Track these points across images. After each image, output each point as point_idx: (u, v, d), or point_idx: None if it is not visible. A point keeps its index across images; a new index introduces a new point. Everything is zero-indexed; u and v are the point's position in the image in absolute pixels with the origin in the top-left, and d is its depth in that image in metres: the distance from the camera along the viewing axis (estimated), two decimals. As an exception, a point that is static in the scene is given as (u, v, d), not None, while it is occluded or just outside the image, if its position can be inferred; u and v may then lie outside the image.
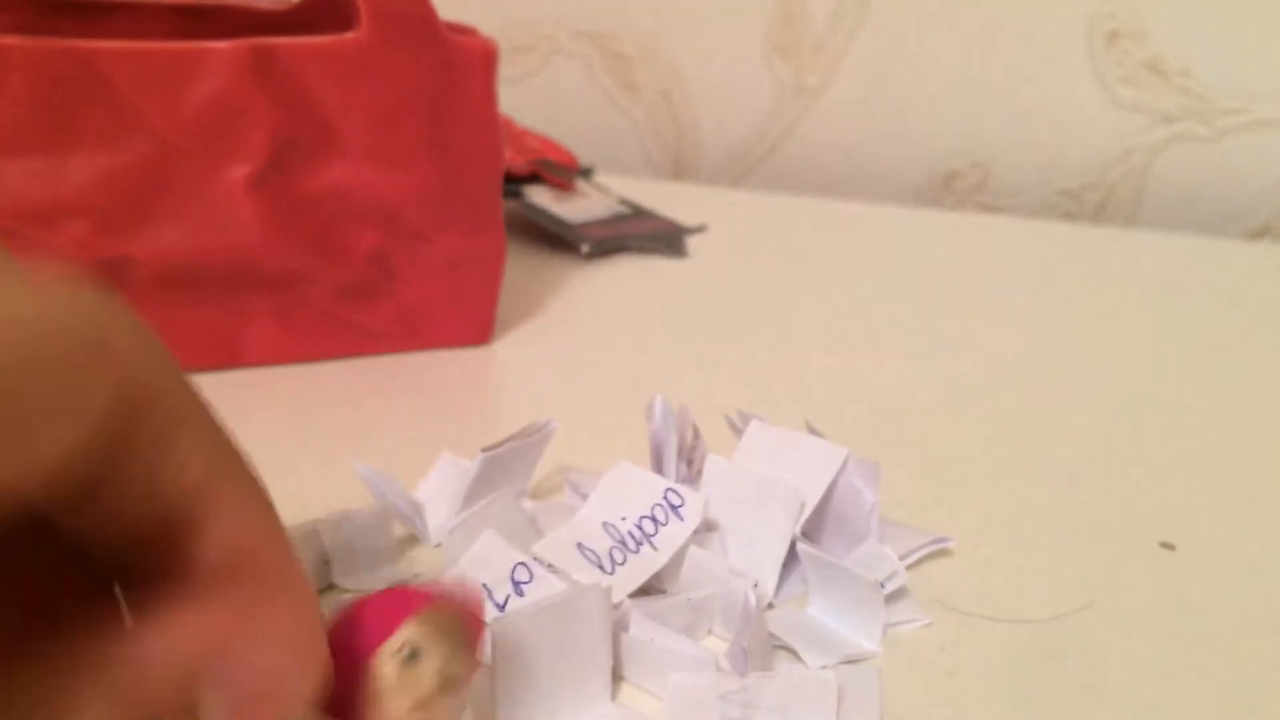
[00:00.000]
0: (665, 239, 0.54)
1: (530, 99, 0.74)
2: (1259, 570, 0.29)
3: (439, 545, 0.28)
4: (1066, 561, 0.29)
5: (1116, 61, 0.65)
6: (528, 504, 0.29)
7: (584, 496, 0.29)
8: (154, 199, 0.34)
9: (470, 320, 0.41)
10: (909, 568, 0.28)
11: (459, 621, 0.18)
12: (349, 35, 0.35)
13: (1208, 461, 0.35)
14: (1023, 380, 0.41)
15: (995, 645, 0.26)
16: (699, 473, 0.29)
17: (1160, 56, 0.65)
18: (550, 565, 0.25)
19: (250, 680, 0.15)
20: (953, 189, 0.71)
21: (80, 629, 0.16)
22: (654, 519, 0.26)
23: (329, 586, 0.26)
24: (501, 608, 0.24)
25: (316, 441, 0.34)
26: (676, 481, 0.28)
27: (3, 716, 0.15)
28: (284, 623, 0.16)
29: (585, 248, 0.51)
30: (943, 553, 0.29)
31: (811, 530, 0.28)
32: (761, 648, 0.24)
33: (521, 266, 0.49)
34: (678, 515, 0.26)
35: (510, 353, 0.41)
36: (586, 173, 0.61)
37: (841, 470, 0.27)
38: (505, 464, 0.28)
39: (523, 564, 0.25)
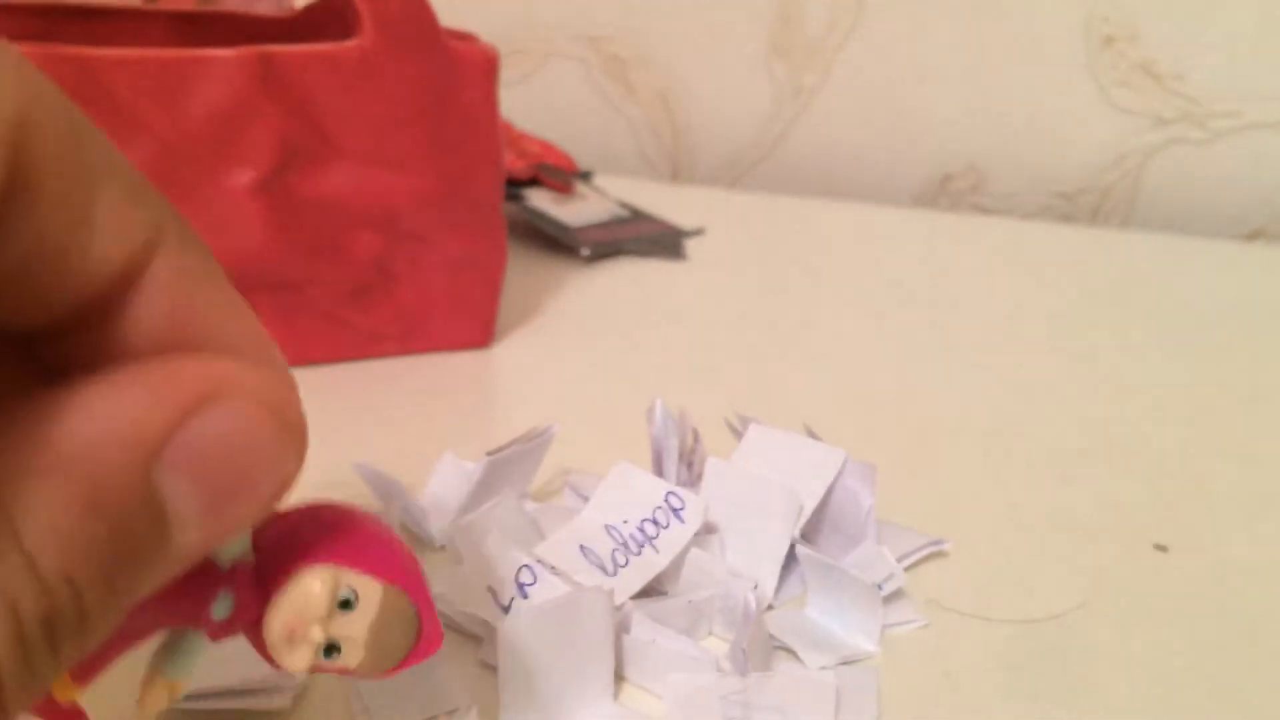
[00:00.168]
0: (664, 242, 0.54)
1: (528, 101, 0.74)
2: (1251, 572, 0.30)
3: (442, 547, 0.28)
4: (1061, 563, 0.30)
5: (1111, 65, 0.66)
6: (529, 506, 0.30)
7: (584, 499, 0.29)
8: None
9: (471, 323, 0.41)
10: (906, 569, 0.28)
11: (413, 623, 0.17)
12: (352, 43, 0.35)
13: (1202, 464, 0.36)
14: (1018, 383, 0.41)
15: (991, 645, 0.26)
16: (699, 475, 0.29)
17: (1154, 60, 0.65)
18: (553, 567, 0.26)
19: (221, 460, 0.14)
20: (948, 191, 0.71)
21: (20, 420, 0.13)
22: (655, 521, 0.26)
23: (335, 589, 0.26)
24: (506, 609, 0.24)
25: (318, 444, 0.34)
26: (676, 484, 0.28)
27: None
28: (252, 395, 0.14)
29: (585, 251, 0.51)
30: (939, 554, 0.29)
31: (810, 532, 0.28)
32: (761, 648, 0.24)
33: (522, 270, 0.50)
34: (679, 518, 0.26)
35: (511, 355, 0.42)
36: (585, 176, 0.61)
37: (839, 473, 0.28)
38: (508, 467, 0.29)
39: (527, 566, 0.25)
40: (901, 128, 0.70)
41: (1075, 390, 0.41)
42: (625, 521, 0.27)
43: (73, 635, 0.13)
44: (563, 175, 0.58)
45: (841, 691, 0.24)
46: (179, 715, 0.22)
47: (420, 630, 0.18)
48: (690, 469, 0.29)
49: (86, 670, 0.16)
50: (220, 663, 0.23)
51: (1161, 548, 0.31)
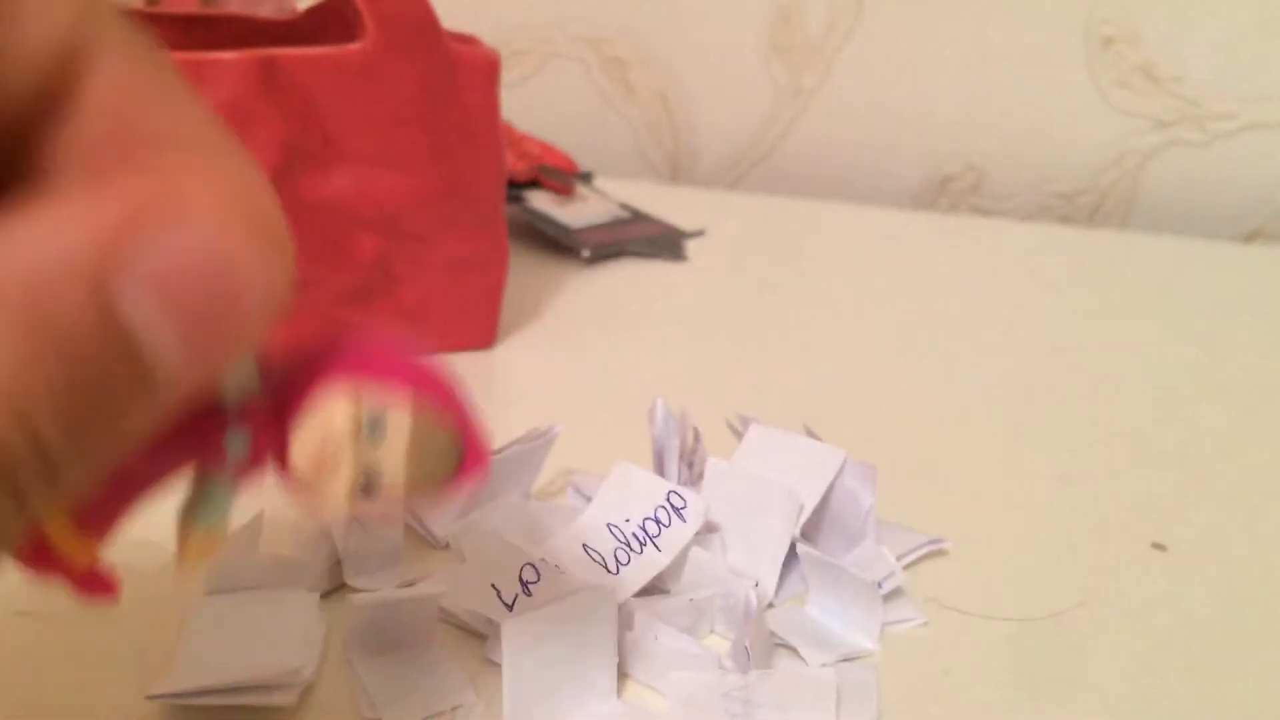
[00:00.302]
0: (664, 243, 0.55)
1: (528, 102, 0.74)
2: (1248, 570, 0.30)
3: (447, 545, 0.29)
4: (1060, 562, 0.30)
5: (1111, 66, 0.66)
6: (532, 506, 0.30)
7: (587, 498, 0.29)
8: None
9: (474, 324, 0.42)
10: (905, 568, 0.29)
11: (451, 443, 0.16)
12: (355, 45, 0.35)
13: (1200, 463, 0.36)
14: (1017, 383, 0.41)
15: (990, 643, 0.26)
16: (700, 475, 0.29)
17: (1154, 62, 0.65)
18: (557, 565, 0.26)
19: (191, 278, 0.12)
20: (948, 192, 0.72)
21: None
22: (657, 520, 0.27)
23: (340, 586, 0.27)
24: (510, 607, 0.25)
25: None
26: (678, 484, 0.28)
27: None
28: (216, 201, 0.12)
29: (586, 252, 0.51)
30: (938, 553, 0.30)
31: (810, 531, 0.28)
32: (762, 646, 0.25)
33: (523, 271, 0.50)
34: (680, 517, 0.27)
35: (513, 356, 0.42)
36: (586, 178, 0.61)
37: (839, 473, 0.28)
38: (510, 467, 0.29)
39: (530, 564, 0.25)
40: (901, 129, 0.71)
41: (1074, 390, 0.41)
42: (627, 520, 0.27)
43: (41, 485, 0.11)
44: (563, 177, 0.58)
45: (842, 688, 0.24)
46: (183, 712, 0.23)
47: (463, 447, 0.16)
48: (691, 469, 0.30)
49: (98, 525, 0.15)
50: (225, 659, 0.23)
51: (1160, 546, 0.31)
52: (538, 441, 0.29)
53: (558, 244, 0.53)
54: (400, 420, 0.15)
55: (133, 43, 0.13)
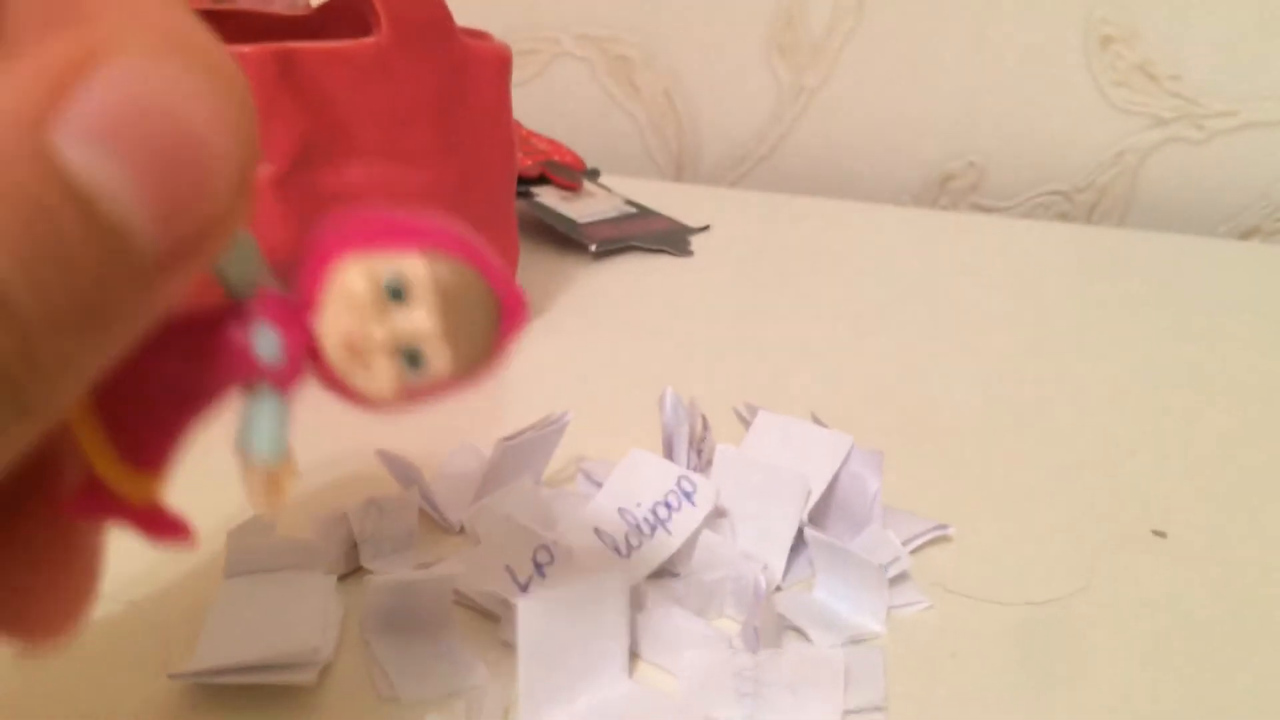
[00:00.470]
0: (670, 238, 0.55)
1: (535, 101, 0.75)
2: (1246, 556, 0.31)
3: (461, 530, 0.29)
4: (1062, 547, 0.30)
5: (1110, 65, 0.67)
6: (544, 492, 0.30)
7: (597, 485, 0.30)
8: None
9: (482, 317, 0.42)
10: (911, 553, 0.29)
11: (482, 293, 0.14)
12: (369, 40, 0.36)
13: (1198, 454, 0.37)
14: (1018, 375, 0.42)
15: (994, 627, 0.27)
16: (708, 462, 0.30)
17: (1152, 60, 0.66)
18: (569, 548, 0.26)
19: (140, 120, 0.11)
20: (948, 189, 0.72)
21: None
22: (668, 504, 0.27)
23: (357, 569, 0.27)
24: (524, 588, 0.25)
25: (341, 432, 0.35)
26: (687, 470, 0.29)
27: None
28: (157, 42, 0.11)
29: (593, 247, 0.52)
30: (943, 539, 0.30)
31: (817, 516, 0.29)
32: (771, 628, 0.25)
33: (532, 265, 0.50)
34: (690, 501, 0.27)
35: (523, 347, 0.42)
36: (593, 174, 0.62)
37: (846, 458, 0.28)
38: (523, 453, 0.29)
39: (544, 546, 0.26)
40: (902, 127, 0.71)
41: (1075, 383, 0.42)
42: (638, 505, 0.27)
43: (23, 367, 0.10)
44: (571, 173, 0.59)
45: (849, 669, 0.24)
46: (204, 690, 0.23)
47: (497, 299, 0.15)
48: (700, 456, 0.30)
49: (149, 460, 0.14)
50: (246, 640, 0.24)
51: (1160, 533, 0.31)
52: (550, 428, 0.30)
53: (565, 239, 0.54)
54: (420, 276, 0.14)
55: None
